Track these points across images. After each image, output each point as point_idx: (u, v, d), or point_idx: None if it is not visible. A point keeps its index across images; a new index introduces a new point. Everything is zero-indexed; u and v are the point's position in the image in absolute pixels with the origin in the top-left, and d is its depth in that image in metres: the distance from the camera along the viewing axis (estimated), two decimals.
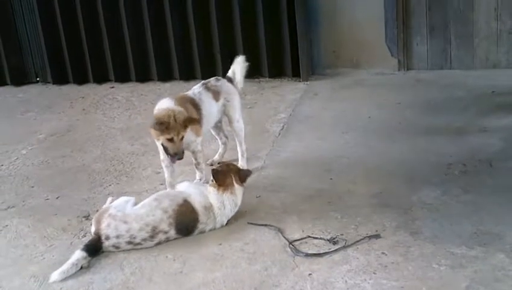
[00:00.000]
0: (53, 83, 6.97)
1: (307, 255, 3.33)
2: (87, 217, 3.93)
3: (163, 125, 3.76)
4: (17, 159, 5.02)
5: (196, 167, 4.13)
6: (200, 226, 3.61)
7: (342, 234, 3.49)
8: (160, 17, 6.52)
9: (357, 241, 3.41)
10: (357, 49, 6.35)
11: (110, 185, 4.39)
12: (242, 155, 4.41)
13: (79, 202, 4.19)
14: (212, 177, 3.70)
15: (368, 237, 3.44)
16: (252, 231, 3.63)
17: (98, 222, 3.52)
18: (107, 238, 3.47)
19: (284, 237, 3.51)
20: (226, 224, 3.69)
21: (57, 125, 5.73)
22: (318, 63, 6.49)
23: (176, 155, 3.83)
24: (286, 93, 6.05)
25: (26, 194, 4.39)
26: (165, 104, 3.90)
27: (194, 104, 4.05)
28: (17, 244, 3.73)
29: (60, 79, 6.94)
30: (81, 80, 6.89)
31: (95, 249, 3.46)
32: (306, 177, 4.28)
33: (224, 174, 3.71)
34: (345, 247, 3.37)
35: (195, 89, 4.21)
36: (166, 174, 4.09)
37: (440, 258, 3.21)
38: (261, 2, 6.24)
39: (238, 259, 3.37)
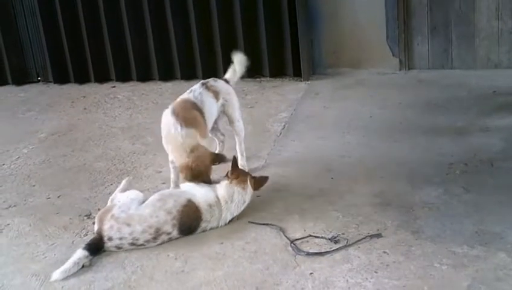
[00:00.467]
0: (54, 82, 6.97)
1: (308, 254, 3.34)
2: (89, 216, 3.94)
3: (196, 178, 3.79)
4: (18, 158, 5.03)
5: None
6: (203, 225, 3.61)
7: (343, 233, 3.50)
8: (161, 16, 6.53)
9: (359, 240, 3.41)
10: (358, 48, 6.34)
11: (111, 184, 4.39)
12: (242, 154, 4.42)
13: (80, 201, 4.19)
14: (230, 167, 3.76)
15: (369, 236, 3.44)
16: (253, 230, 3.63)
17: (101, 222, 3.52)
18: (110, 239, 3.47)
19: (285, 236, 3.51)
20: (228, 223, 3.69)
21: (58, 125, 5.74)
22: (319, 63, 6.49)
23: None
24: (287, 92, 6.05)
25: (28, 193, 4.40)
26: (172, 130, 3.90)
27: (198, 109, 4.04)
28: (19, 243, 3.73)
29: (61, 78, 6.93)
30: (82, 79, 6.89)
31: (96, 248, 3.46)
32: (307, 176, 4.29)
33: (243, 171, 3.85)
34: (346, 246, 3.37)
35: (196, 90, 4.18)
36: (173, 175, 4.09)
37: (441, 257, 3.21)
38: (262, 1, 6.24)
39: (239, 258, 3.37)
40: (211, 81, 4.32)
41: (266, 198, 3.98)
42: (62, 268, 3.32)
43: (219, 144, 4.60)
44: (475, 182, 3.96)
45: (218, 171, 4.02)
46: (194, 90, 4.19)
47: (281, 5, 6.22)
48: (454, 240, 3.35)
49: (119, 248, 3.49)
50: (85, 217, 3.95)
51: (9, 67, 7.06)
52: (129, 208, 3.55)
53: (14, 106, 6.40)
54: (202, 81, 4.32)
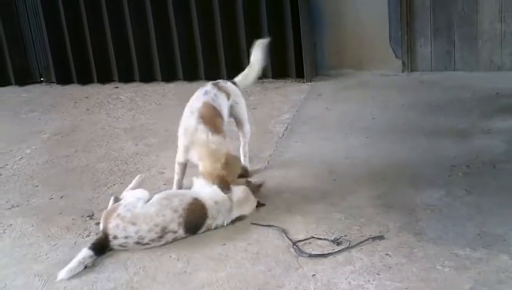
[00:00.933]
0: (57, 83, 6.97)
1: (311, 255, 3.34)
2: (92, 217, 3.95)
3: (227, 187, 3.79)
4: (21, 158, 5.03)
5: None
6: (209, 222, 3.61)
7: (345, 235, 3.50)
8: (164, 17, 6.53)
9: (361, 242, 3.42)
10: (361, 50, 6.34)
11: (114, 185, 4.39)
12: (245, 156, 4.42)
13: (83, 201, 4.20)
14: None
15: (372, 238, 3.44)
16: (255, 231, 3.63)
17: (106, 220, 3.53)
18: (115, 238, 3.48)
19: (288, 238, 3.51)
20: (230, 224, 3.70)
21: (61, 125, 5.74)
22: (322, 64, 6.49)
23: None
24: (290, 94, 6.05)
25: (31, 193, 4.40)
26: (202, 136, 3.88)
27: (219, 114, 4.04)
28: (22, 244, 3.74)
29: (64, 79, 6.94)
30: (85, 80, 6.89)
31: (101, 247, 3.47)
32: (310, 178, 4.29)
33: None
34: (348, 248, 3.37)
35: (210, 91, 4.13)
36: (178, 176, 4.05)
37: (444, 259, 3.21)
38: (265, 3, 6.24)
39: (242, 259, 3.38)
40: (221, 82, 4.32)
41: (268, 199, 3.98)
42: (67, 267, 3.33)
43: None
44: (477, 184, 3.96)
45: None
46: (208, 92, 4.13)
47: (283, 6, 6.23)
48: (457, 242, 3.36)
49: (124, 246, 3.50)
50: (88, 218, 3.95)
51: (12, 68, 7.06)
52: (135, 207, 3.56)
53: (16, 107, 6.40)
54: (212, 82, 4.29)
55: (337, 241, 3.43)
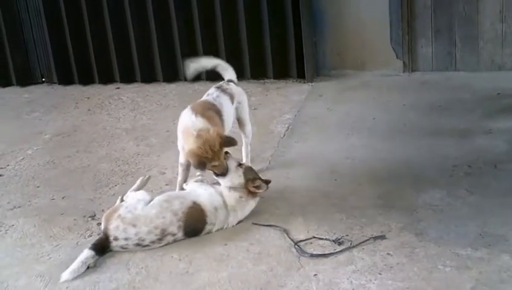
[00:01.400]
0: (58, 84, 6.99)
1: (312, 255, 3.34)
2: (93, 217, 3.95)
3: (204, 163, 3.66)
4: (23, 159, 5.04)
5: None
6: (208, 227, 3.62)
7: (347, 235, 3.50)
8: (166, 17, 6.54)
9: (362, 242, 3.42)
10: (362, 50, 6.35)
11: (115, 186, 4.40)
12: (247, 156, 4.42)
13: (85, 202, 4.20)
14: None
15: (373, 237, 3.45)
16: (257, 231, 3.64)
17: (107, 221, 3.53)
18: (116, 239, 3.48)
19: (289, 238, 3.52)
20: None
21: (62, 126, 5.75)
22: (323, 65, 6.50)
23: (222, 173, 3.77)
24: (291, 94, 6.06)
25: (32, 194, 4.41)
26: (189, 123, 3.81)
27: (217, 111, 4.01)
28: (24, 244, 3.74)
29: (66, 80, 6.95)
30: (86, 81, 6.90)
31: (102, 248, 3.47)
32: (311, 178, 4.29)
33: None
34: (350, 248, 3.38)
35: (213, 93, 4.14)
36: (181, 177, 4.02)
37: (445, 259, 3.22)
38: (266, 3, 6.25)
39: (243, 259, 3.38)
40: (224, 84, 4.31)
41: (270, 199, 3.98)
42: (70, 269, 3.33)
43: None
44: (479, 184, 3.97)
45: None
46: (210, 94, 4.16)
47: (285, 6, 6.23)
48: (458, 242, 3.36)
49: (124, 248, 3.50)
50: (89, 218, 3.96)
51: (13, 68, 7.08)
52: (136, 209, 3.56)
53: (18, 107, 6.41)
54: (215, 85, 4.29)
55: (338, 241, 3.44)
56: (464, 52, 6.14)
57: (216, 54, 6.42)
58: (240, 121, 4.36)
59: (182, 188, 4.00)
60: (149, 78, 6.77)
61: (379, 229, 3.54)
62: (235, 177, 3.71)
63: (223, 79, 4.43)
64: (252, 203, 3.76)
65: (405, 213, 3.69)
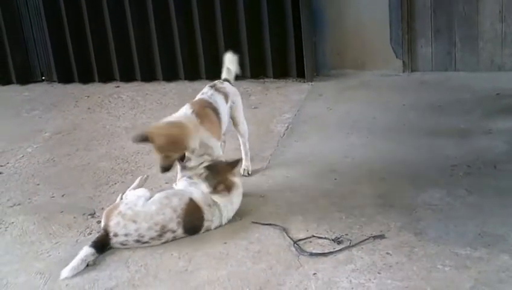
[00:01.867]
0: (58, 82, 6.99)
1: (312, 254, 3.35)
2: (93, 215, 3.96)
3: (145, 140, 3.74)
4: (22, 157, 5.04)
5: None
6: (206, 224, 3.62)
7: (346, 234, 3.51)
8: (166, 17, 6.54)
9: (362, 241, 3.42)
10: (362, 50, 6.36)
11: (115, 184, 4.40)
12: (246, 155, 4.43)
13: (84, 200, 4.21)
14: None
15: (373, 237, 3.45)
16: (256, 230, 3.64)
17: (108, 218, 3.54)
18: (116, 235, 3.49)
19: (289, 237, 3.52)
20: (231, 223, 3.71)
21: (62, 124, 5.75)
22: (323, 64, 6.50)
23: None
24: (291, 93, 6.06)
25: (32, 191, 4.41)
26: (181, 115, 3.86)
27: (213, 109, 4.03)
28: (23, 242, 3.74)
29: (66, 78, 6.95)
30: (86, 79, 6.90)
31: (102, 245, 3.48)
32: (311, 177, 4.30)
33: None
34: (349, 247, 3.38)
35: (208, 92, 4.17)
36: (179, 175, 4.02)
37: (444, 258, 3.22)
38: (266, 3, 6.25)
39: (243, 258, 3.39)
40: (218, 83, 4.32)
41: (269, 198, 4.00)
42: (70, 266, 3.34)
43: (221, 144, 4.60)
44: (478, 184, 3.97)
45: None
46: (205, 93, 4.18)
47: (285, 6, 6.24)
48: (457, 241, 3.36)
49: (124, 244, 3.51)
50: (89, 216, 3.96)
51: (13, 67, 7.08)
52: (136, 205, 3.57)
53: (18, 105, 6.41)
54: (209, 84, 4.31)
55: (337, 240, 3.44)
56: (464, 52, 6.15)
57: (216, 53, 6.46)
58: (234, 120, 4.36)
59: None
60: (149, 77, 6.78)
61: (378, 228, 3.54)
62: (204, 187, 3.72)
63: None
64: (237, 189, 3.76)
65: (404, 213, 3.69)
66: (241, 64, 6.24)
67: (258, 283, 3.17)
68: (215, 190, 3.68)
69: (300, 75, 6.36)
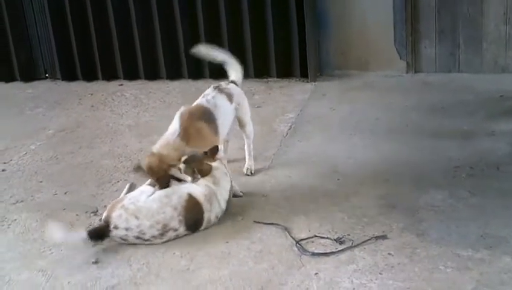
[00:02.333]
0: (62, 80, 6.99)
1: (314, 254, 3.35)
2: (96, 213, 3.96)
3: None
4: (26, 154, 5.05)
5: None
6: (206, 215, 3.63)
7: (348, 234, 3.51)
8: (170, 16, 6.54)
9: (364, 241, 3.43)
10: (366, 51, 6.35)
11: (118, 182, 4.41)
12: (249, 155, 4.43)
13: (87, 197, 4.22)
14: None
15: (375, 237, 3.46)
16: (258, 229, 3.65)
17: (111, 210, 3.56)
18: (116, 227, 3.50)
19: (291, 236, 3.53)
20: (233, 222, 3.72)
21: (65, 122, 5.76)
22: (326, 64, 6.50)
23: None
24: (294, 93, 6.06)
25: (35, 189, 4.42)
26: (170, 138, 3.88)
27: (208, 119, 4.00)
28: (26, 239, 3.76)
29: (69, 75, 6.95)
30: (90, 77, 6.91)
31: (98, 234, 3.50)
32: (313, 177, 4.30)
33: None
34: (351, 247, 3.39)
35: (209, 94, 4.16)
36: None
37: (446, 260, 3.23)
38: (271, 3, 6.25)
39: (244, 257, 3.39)
40: (223, 84, 4.31)
41: (272, 198, 4.00)
42: (65, 234, 3.48)
43: (224, 144, 4.61)
44: (481, 186, 3.97)
45: None
46: (206, 95, 4.17)
47: (289, 6, 6.24)
48: (459, 243, 3.37)
49: (124, 239, 3.52)
50: (92, 214, 3.97)
51: (17, 64, 7.08)
52: (138, 201, 3.59)
53: (22, 103, 6.42)
54: (214, 85, 4.30)
55: (340, 241, 3.45)
56: (468, 54, 6.14)
57: None
58: (240, 121, 4.36)
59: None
60: (152, 75, 6.78)
61: (380, 229, 3.55)
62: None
63: (226, 78, 4.43)
64: (218, 170, 3.76)
65: (407, 214, 3.69)
66: (245, 63, 6.28)
67: (259, 282, 3.17)
68: (194, 178, 3.70)
69: (304, 75, 6.36)
